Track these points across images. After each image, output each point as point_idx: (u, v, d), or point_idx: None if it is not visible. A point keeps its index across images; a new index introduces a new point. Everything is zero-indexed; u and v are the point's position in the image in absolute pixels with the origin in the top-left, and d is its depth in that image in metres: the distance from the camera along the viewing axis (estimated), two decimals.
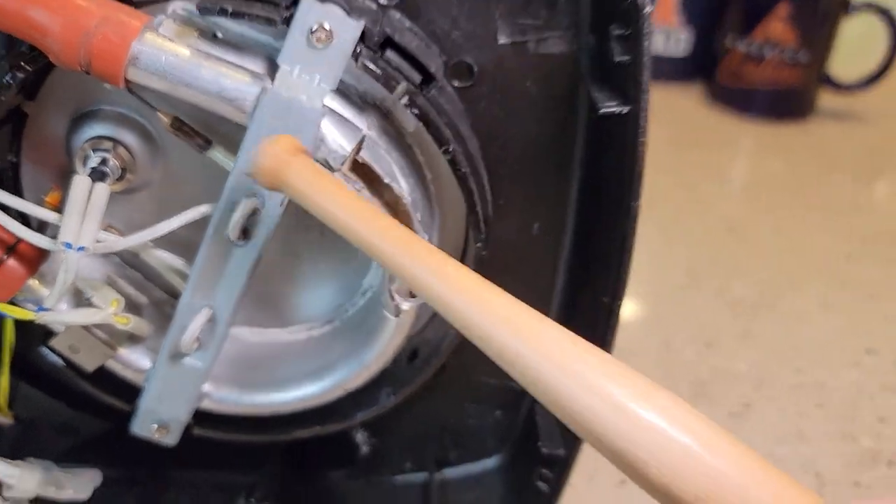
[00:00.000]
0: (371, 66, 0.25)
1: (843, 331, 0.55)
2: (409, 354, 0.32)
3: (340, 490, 0.37)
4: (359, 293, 0.33)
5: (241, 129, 0.25)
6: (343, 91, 0.26)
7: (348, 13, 0.24)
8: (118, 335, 0.30)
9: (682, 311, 0.57)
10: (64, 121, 0.28)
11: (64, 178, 0.29)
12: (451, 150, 0.26)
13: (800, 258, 0.64)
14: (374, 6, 0.26)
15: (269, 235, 0.27)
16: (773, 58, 0.84)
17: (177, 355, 0.29)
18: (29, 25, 0.24)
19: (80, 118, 0.28)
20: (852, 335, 0.54)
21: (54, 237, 0.27)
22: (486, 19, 0.27)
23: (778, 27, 0.82)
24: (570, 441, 0.32)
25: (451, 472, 0.37)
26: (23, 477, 0.31)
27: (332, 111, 0.25)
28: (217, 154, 0.27)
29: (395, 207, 0.27)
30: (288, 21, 0.24)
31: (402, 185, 0.27)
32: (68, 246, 0.26)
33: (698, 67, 0.95)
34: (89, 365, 0.30)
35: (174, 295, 0.31)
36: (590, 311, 0.29)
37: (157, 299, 0.32)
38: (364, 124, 0.26)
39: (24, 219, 0.28)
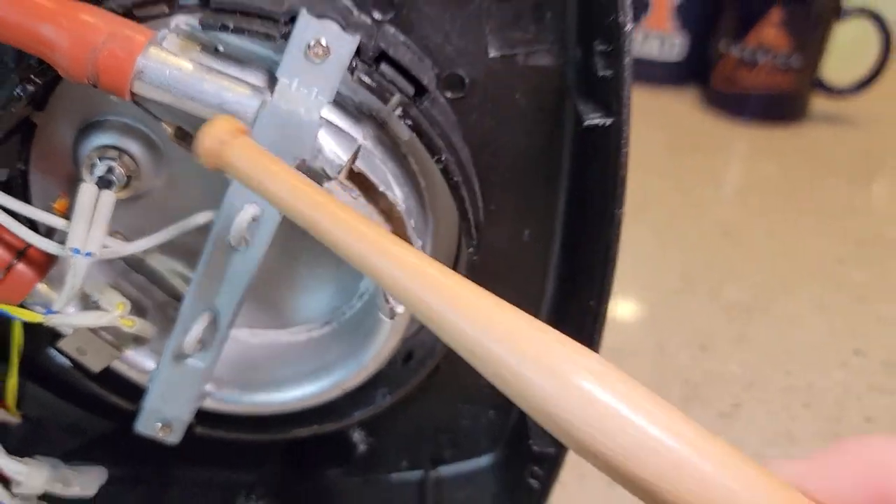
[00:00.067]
0: (366, 79, 0.26)
1: (833, 333, 0.56)
2: (405, 356, 0.33)
3: (338, 488, 0.38)
4: (356, 296, 0.34)
5: None
6: (339, 102, 0.27)
7: (344, 29, 0.25)
8: (124, 337, 0.31)
9: (676, 314, 0.58)
10: (71, 131, 0.29)
11: (71, 185, 0.30)
12: (443, 159, 0.27)
13: (793, 261, 0.65)
14: (369, 21, 0.27)
15: (268, 241, 0.28)
16: (766, 63, 0.85)
17: (180, 356, 0.30)
18: (39, 41, 0.25)
19: (87, 128, 0.29)
20: (842, 337, 0.55)
21: (62, 243, 0.28)
22: (477, 34, 0.28)
23: (771, 33, 0.83)
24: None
25: (445, 470, 0.38)
26: (31, 474, 0.32)
27: (329, 122, 0.27)
28: None
29: (389, 214, 0.28)
30: (286, 36, 0.25)
31: (397, 193, 0.28)
32: (76, 252, 0.27)
33: (693, 72, 0.96)
34: (96, 366, 0.31)
35: (177, 298, 0.32)
36: (578, 315, 0.30)
37: (159, 302, 0.33)
38: (360, 135, 0.27)
39: (32, 225, 0.29)
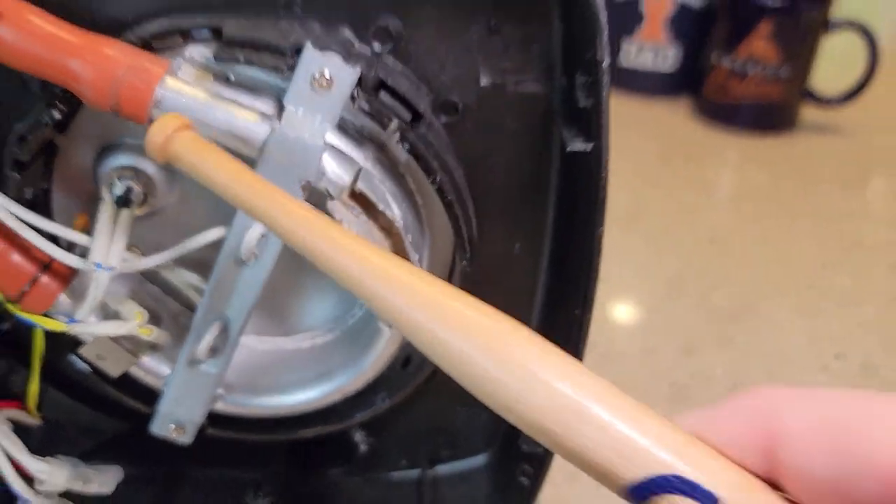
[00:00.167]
0: (366, 106, 0.28)
1: (815, 337, 0.58)
2: (403, 361, 0.35)
3: (340, 486, 0.40)
4: (357, 305, 0.36)
5: (250, 161, 0.28)
6: (342, 127, 0.29)
7: (346, 60, 0.27)
8: (140, 344, 0.33)
9: (664, 318, 0.60)
10: (91, 152, 0.31)
11: (90, 203, 0.32)
12: (438, 179, 0.29)
13: (779, 268, 0.67)
14: (369, 52, 0.29)
15: (276, 256, 0.30)
16: (756, 74, 0.87)
17: (193, 362, 0.32)
18: (65, 73, 0.27)
19: (106, 150, 0.31)
20: (823, 341, 0.57)
21: (82, 256, 0.31)
22: (470, 63, 0.29)
23: (761, 45, 0.85)
24: None
25: (442, 469, 0.40)
26: (53, 472, 0.34)
27: (333, 146, 0.29)
28: None
29: (389, 231, 0.30)
30: (293, 67, 0.27)
31: (395, 211, 0.30)
32: (99, 266, 0.29)
33: (686, 83, 0.97)
34: (114, 371, 0.33)
35: (189, 308, 0.34)
36: (565, 322, 0.32)
37: (173, 311, 0.35)
38: (361, 157, 0.29)
39: (53, 239, 0.31)
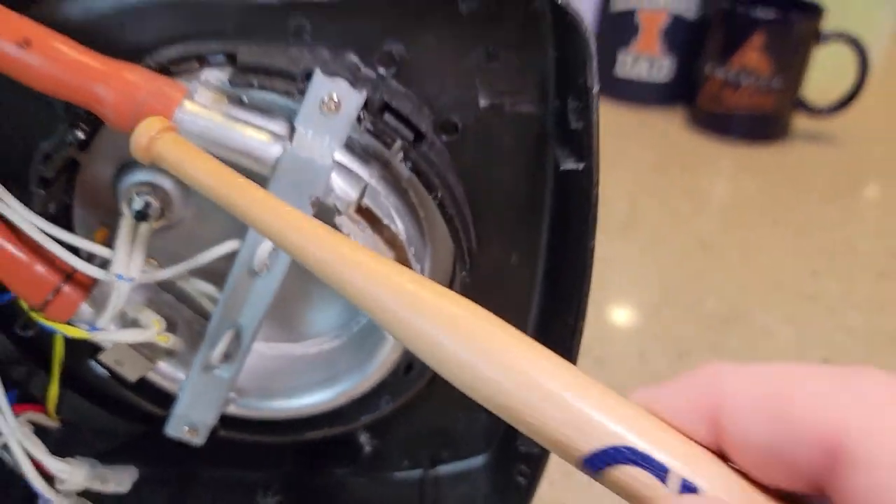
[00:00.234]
0: (371, 127, 0.30)
1: (804, 342, 0.60)
2: (406, 367, 0.36)
3: (345, 486, 0.41)
4: (362, 312, 0.37)
5: (263, 179, 0.30)
6: (349, 146, 0.31)
7: (353, 85, 0.29)
8: (156, 350, 0.35)
9: (657, 324, 0.62)
10: (111, 169, 0.33)
11: (108, 216, 0.34)
12: (439, 195, 0.31)
13: (769, 275, 0.69)
14: (374, 76, 0.31)
15: (286, 268, 0.32)
16: (749, 84, 0.88)
17: (207, 368, 0.34)
18: (88, 97, 0.29)
19: (126, 166, 0.33)
20: (811, 346, 0.59)
21: (101, 266, 0.32)
22: (469, 86, 0.31)
23: (753, 56, 0.86)
24: None
25: (443, 469, 0.41)
26: (73, 472, 0.36)
27: (340, 164, 0.30)
28: None
29: (393, 243, 0.32)
30: (303, 92, 0.29)
31: (399, 225, 0.32)
32: (120, 277, 0.31)
33: (680, 93, 0.98)
34: (132, 376, 0.35)
35: (202, 315, 0.36)
36: (559, 330, 0.33)
37: (186, 318, 0.37)
38: (366, 174, 0.31)
39: (74, 251, 0.33)
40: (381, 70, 0.31)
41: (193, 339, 0.35)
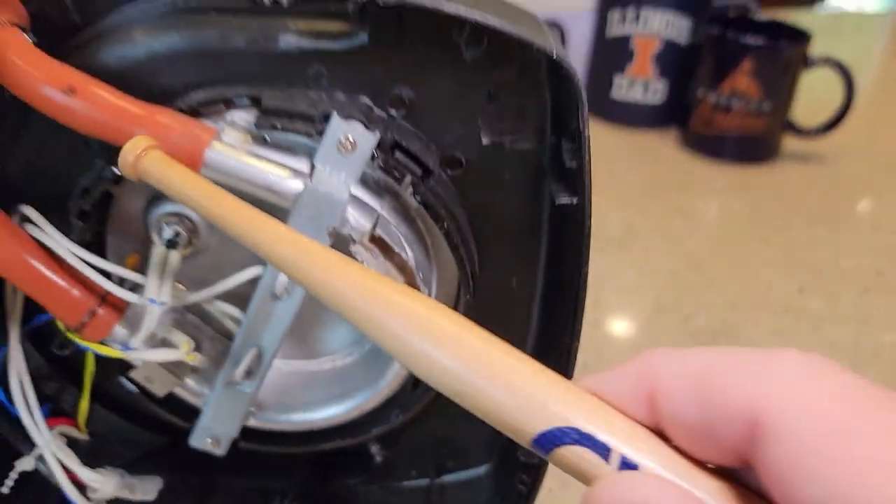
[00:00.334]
0: (383, 164, 0.33)
1: None
2: (414, 382, 0.39)
3: (357, 494, 0.43)
4: None
5: (285, 212, 0.33)
6: (363, 180, 0.33)
7: (367, 127, 0.32)
8: (183, 367, 0.37)
9: (650, 339, 0.64)
10: (142, 200, 0.35)
11: (140, 243, 0.37)
12: (445, 225, 0.34)
13: (757, 291, 0.71)
14: (385, 116, 0.34)
15: (305, 291, 0.34)
16: (739, 108, 0.90)
17: (230, 384, 0.36)
18: (126, 138, 0.31)
19: (155, 199, 0.35)
20: None
21: (132, 290, 0.35)
22: (472, 125, 0.34)
23: (743, 81, 0.88)
24: None
25: (448, 478, 0.43)
26: (104, 481, 0.38)
27: (355, 197, 0.33)
28: None
29: (403, 269, 0.35)
30: (322, 133, 0.32)
31: (409, 253, 0.34)
32: (153, 301, 0.34)
33: (673, 115, 1.00)
34: (161, 392, 0.37)
35: (225, 334, 0.38)
36: (556, 349, 0.36)
37: (210, 337, 0.40)
38: (379, 206, 0.34)
39: (107, 276, 0.35)
40: (392, 111, 0.33)
41: (216, 356, 0.38)
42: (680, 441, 0.18)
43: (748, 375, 0.17)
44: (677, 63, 0.97)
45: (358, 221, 0.33)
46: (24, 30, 0.32)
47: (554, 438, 0.18)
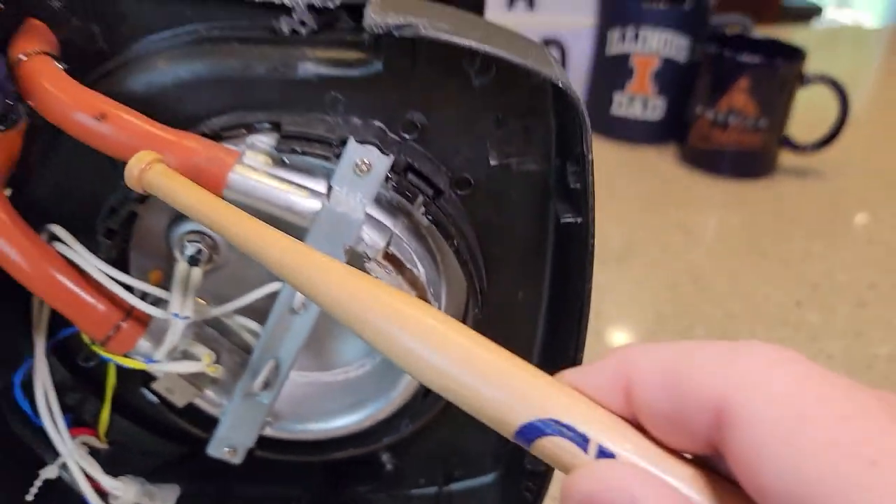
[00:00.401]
0: (396, 185, 0.34)
1: None
2: (424, 392, 0.40)
3: (368, 502, 0.44)
4: None
5: (303, 231, 0.34)
6: (377, 200, 0.35)
7: (381, 150, 0.34)
8: (203, 378, 0.39)
9: None
10: (165, 220, 0.37)
11: (162, 260, 0.38)
12: (455, 243, 0.35)
13: (755, 304, 0.72)
14: (398, 140, 0.36)
15: None
16: (736, 124, 0.92)
17: (248, 395, 0.38)
18: None
19: (178, 217, 0.37)
20: None
21: (154, 304, 0.37)
22: (481, 147, 0.35)
23: (740, 98, 0.90)
24: None
25: (456, 486, 0.44)
26: (125, 489, 0.40)
27: (370, 216, 0.35)
28: None
29: (414, 284, 0.36)
30: (339, 156, 0.34)
31: (420, 269, 0.36)
32: (176, 315, 0.36)
33: (672, 131, 1.02)
34: (181, 402, 0.39)
35: (243, 347, 0.40)
36: (561, 361, 0.37)
37: (228, 349, 0.41)
38: (392, 225, 0.35)
39: (130, 290, 0.37)
40: (405, 135, 0.35)
41: (234, 368, 0.39)
42: (654, 431, 0.19)
43: (716, 366, 0.18)
44: (676, 80, 0.99)
45: (372, 239, 0.34)
46: (55, 58, 0.33)
47: (535, 429, 0.19)
